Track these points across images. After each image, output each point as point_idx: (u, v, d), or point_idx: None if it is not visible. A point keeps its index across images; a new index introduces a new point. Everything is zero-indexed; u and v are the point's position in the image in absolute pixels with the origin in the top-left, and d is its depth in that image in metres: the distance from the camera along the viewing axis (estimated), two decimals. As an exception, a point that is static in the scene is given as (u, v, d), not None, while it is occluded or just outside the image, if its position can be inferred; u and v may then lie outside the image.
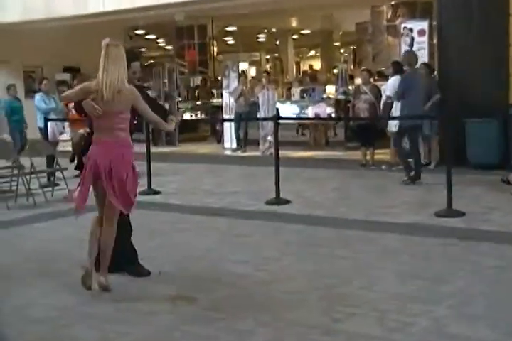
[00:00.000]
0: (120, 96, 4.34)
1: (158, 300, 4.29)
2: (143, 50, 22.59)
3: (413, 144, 8.78)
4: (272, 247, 5.61)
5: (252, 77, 16.81)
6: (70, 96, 4.63)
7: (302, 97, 14.14)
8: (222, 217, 7.00)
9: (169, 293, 4.40)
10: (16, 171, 8.42)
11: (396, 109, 8.85)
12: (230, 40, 24.12)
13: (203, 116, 16.50)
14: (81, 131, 10.52)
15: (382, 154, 10.59)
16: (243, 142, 13.42)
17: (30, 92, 15.91)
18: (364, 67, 12.38)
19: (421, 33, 10.78)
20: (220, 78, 16.59)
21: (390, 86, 9.39)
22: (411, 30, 10.88)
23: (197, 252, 5.45)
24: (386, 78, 11.04)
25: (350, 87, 14.26)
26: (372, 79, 11.22)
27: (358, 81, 12.20)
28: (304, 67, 27.77)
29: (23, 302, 4.33)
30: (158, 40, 22.99)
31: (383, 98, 9.81)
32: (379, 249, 5.46)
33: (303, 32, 23.57)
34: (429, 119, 9.32)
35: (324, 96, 14.25)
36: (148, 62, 21.81)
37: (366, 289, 4.38)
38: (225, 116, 13.86)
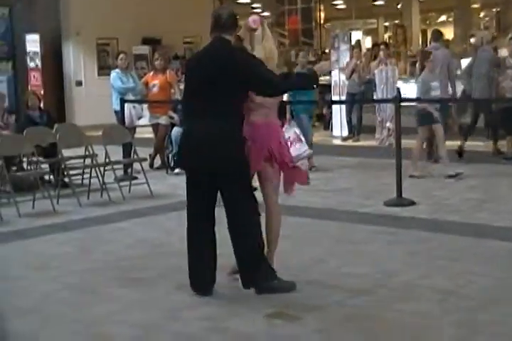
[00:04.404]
0: None
1: (254, 319, 4.35)
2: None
3: None
4: (392, 258, 5.57)
5: (367, 49, 16.66)
6: None
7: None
8: (330, 220, 6.99)
9: (265, 310, 4.45)
10: (88, 162, 8.74)
11: None
12: (341, 4, 23.98)
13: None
14: (164, 117, 10.67)
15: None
16: (356, 129, 13.35)
17: (104, 69, 16.55)
18: None
19: None
20: (327, 51, 16.55)
21: None
22: None
23: (302, 263, 5.47)
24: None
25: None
26: (522, 51, 10.84)
27: (504, 53, 11.82)
28: (433, 36, 27.19)
29: (101, 318, 4.48)
30: (253, 5, 23.21)
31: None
32: (530, 264, 5.31)
33: (432, -8, 23.11)
34: None
35: (458, 72, 13.90)
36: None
37: (514, 315, 4.27)
38: (335, 98, 13.83)
